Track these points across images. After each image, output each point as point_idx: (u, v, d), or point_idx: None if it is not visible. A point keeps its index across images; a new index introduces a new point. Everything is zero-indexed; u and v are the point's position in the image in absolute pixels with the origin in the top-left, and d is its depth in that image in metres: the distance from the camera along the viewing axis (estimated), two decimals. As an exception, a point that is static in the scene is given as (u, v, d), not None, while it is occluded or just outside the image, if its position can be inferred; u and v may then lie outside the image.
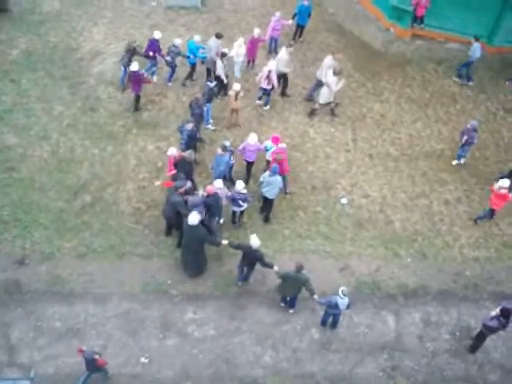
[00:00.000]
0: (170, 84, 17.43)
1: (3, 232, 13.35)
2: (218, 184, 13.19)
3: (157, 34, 16.85)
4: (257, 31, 17.38)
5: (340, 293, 11.55)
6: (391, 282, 13.45)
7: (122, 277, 12.86)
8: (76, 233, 13.52)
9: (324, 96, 16.63)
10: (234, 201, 13.33)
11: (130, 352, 11.66)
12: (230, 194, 13.29)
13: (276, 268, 12.16)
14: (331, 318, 12.27)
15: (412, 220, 14.80)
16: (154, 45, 16.81)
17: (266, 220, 14.26)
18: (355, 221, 14.58)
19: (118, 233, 13.65)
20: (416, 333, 12.68)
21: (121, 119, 16.30)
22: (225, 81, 16.68)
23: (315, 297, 11.93)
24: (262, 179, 13.78)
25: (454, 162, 16.24)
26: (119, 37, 19.07)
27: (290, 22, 18.92)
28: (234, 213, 13.83)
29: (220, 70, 16.43)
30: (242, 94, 15.86)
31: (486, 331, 12.08)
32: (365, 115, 17.41)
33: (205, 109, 15.58)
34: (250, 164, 14.85)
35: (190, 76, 17.57)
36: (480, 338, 12.31)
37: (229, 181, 14.41)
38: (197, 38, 17.06)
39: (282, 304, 12.67)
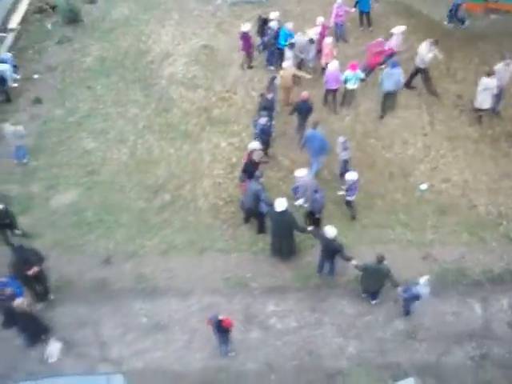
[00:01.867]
0: (271, 68, 17.73)
1: (87, 233, 13.88)
2: (302, 172, 13.20)
3: (272, 15, 17.38)
4: (320, 19, 17.18)
5: (422, 282, 11.25)
6: (476, 269, 12.91)
7: (203, 272, 13.06)
8: (157, 231, 13.86)
9: (487, 101, 15.61)
10: (350, 190, 13.33)
11: (215, 345, 11.79)
12: (344, 190, 13.43)
13: (355, 262, 11.94)
14: (411, 305, 11.98)
15: (496, 203, 14.15)
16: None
17: (382, 117, 15.61)
18: (436, 207, 14.10)
19: (197, 229, 13.89)
20: (505, 319, 12.08)
21: (194, 118, 16.59)
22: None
23: (399, 289, 11.67)
24: (381, 76, 15.23)
25: None
26: (187, 37, 19.43)
27: (353, 9, 18.60)
28: (348, 202, 13.71)
29: (287, 60, 16.38)
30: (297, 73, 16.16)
31: None
32: (441, 97, 16.80)
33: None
34: (333, 92, 15.60)
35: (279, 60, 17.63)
36: None
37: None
38: (289, 25, 17.15)
39: (364, 295, 12.46)
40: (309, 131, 14.32)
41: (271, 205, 12.57)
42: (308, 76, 16.36)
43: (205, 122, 16.43)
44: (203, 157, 15.54)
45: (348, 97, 16.32)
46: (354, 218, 13.85)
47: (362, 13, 19.03)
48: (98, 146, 15.95)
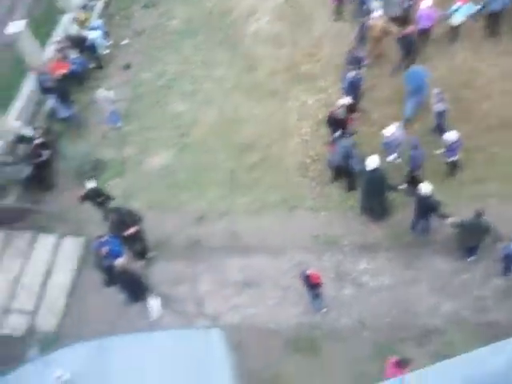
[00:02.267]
0: (359, 19, 16.61)
1: (180, 193, 14.27)
2: (390, 130, 12.82)
3: None
4: None
5: None
6: None
7: (293, 230, 13.13)
8: (247, 190, 14.01)
9: None
10: (450, 151, 12.73)
11: (307, 302, 11.89)
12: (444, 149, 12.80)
13: (452, 219, 11.51)
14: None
15: None
16: None
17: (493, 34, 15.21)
18: (539, 158, 13.25)
19: (286, 187, 13.90)
20: None
21: (280, 75, 16.36)
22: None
23: (499, 245, 11.17)
24: None
25: None
26: (271, -7, 19.01)
27: None
28: (450, 163, 13.07)
29: (376, 11, 15.69)
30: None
31: None
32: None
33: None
34: (426, 33, 15.04)
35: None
36: None
37: None
38: None
39: (461, 252, 12.03)
40: (412, 68, 14.03)
41: (362, 162, 12.31)
42: (396, 29, 15.67)
43: (291, 80, 16.19)
44: (290, 115, 15.39)
45: (453, 34, 15.50)
46: (452, 174, 13.25)
47: None
48: (187, 108, 16.16)
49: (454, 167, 13.15)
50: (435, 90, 13.33)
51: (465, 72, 15.16)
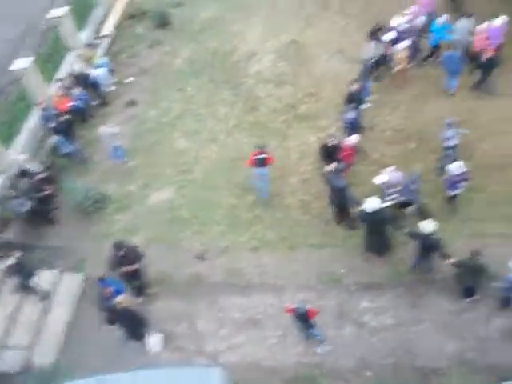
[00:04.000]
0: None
1: (184, 229, 14.26)
2: (383, 177, 12.94)
3: None
4: None
5: None
6: None
7: (295, 268, 13.05)
8: (248, 227, 14.02)
9: None
10: (453, 185, 12.82)
11: (308, 342, 11.76)
12: (447, 178, 12.83)
13: (452, 260, 11.44)
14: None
15: None
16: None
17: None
18: (541, 199, 13.27)
19: (287, 225, 13.90)
20: None
21: (281, 115, 16.60)
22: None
23: (496, 284, 11.14)
24: None
25: None
26: (274, 34, 19.40)
27: None
28: (451, 198, 13.17)
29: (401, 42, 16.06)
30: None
31: None
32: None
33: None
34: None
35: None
36: None
37: None
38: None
39: (460, 292, 11.93)
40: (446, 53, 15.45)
41: (358, 202, 12.37)
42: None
43: (292, 119, 16.41)
44: (290, 153, 15.51)
45: None
46: (451, 210, 13.25)
47: None
48: (190, 145, 16.30)
49: (452, 202, 13.20)
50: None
51: (464, 112, 15.30)
